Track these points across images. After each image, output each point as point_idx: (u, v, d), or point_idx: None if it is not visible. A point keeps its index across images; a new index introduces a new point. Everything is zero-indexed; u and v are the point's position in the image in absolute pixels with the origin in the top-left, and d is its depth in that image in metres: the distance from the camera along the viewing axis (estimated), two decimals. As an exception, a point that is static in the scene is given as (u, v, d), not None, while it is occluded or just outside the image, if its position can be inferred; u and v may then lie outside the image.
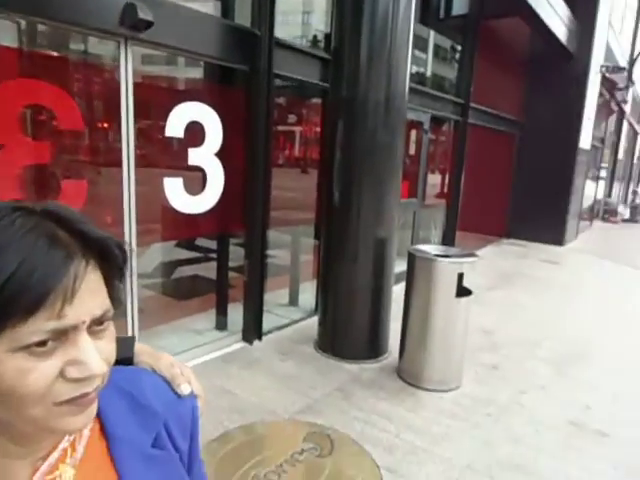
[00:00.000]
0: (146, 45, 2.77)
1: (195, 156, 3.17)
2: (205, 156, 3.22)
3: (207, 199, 3.29)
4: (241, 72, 3.41)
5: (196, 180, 3.26)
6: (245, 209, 3.58)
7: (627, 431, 2.79)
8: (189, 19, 2.94)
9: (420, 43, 6.42)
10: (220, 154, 3.28)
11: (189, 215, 3.21)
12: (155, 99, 3.22)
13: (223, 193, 3.35)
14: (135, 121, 2.75)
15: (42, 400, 0.43)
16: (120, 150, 2.74)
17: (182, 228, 3.45)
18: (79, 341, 0.43)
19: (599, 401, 3.13)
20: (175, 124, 3.00)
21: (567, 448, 2.58)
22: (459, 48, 6.85)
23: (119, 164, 2.76)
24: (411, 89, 3.66)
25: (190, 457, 0.61)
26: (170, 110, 2.96)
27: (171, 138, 3.07)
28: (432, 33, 6.63)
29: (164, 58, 3.39)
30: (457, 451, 2.48)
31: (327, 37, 4.29)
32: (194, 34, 2.97)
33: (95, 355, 0.44)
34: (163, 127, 2.98)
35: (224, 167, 3.32)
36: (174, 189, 3.08)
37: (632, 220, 14.28)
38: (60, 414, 0.44)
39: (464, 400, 3.04)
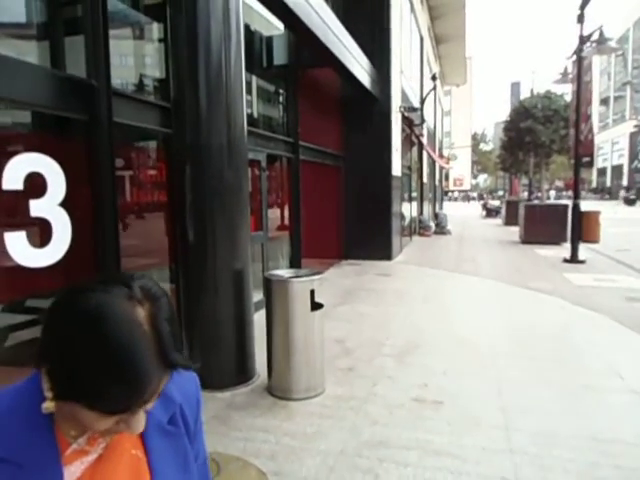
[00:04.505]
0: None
1: (37, 207, 3.07)
2: (48, 207, 3.14)
3: (55, 251, 3.18)
4: (81, 121, 3.42)
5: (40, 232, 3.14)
6: (97, 258, 3.53)
7: (454, 396, 3.49)
8: (11, 68, 2.90)
9: (255, 90, 6.97)
10: (65, 204, 3.22)
11: (36, 270, 3.06)
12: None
13: (72, 243, 3.27)
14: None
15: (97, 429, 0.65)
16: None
17: (29, 285, 3.26)
18: (135, 415, 0.64)
19: (432, 379, 3.82)
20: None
21: (414, 419, 3.15)
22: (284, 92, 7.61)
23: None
24: (248, 131, 4.06)
25: (195, 428, 0.83)
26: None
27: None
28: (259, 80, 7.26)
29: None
30: (330, 442, 2.84)
31: (162, 82, 4.50)
32: (20, 84, 2.93)
33: (142, 424, 0.66)
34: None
35: (71, 217, 3.26)
36: (16, 243, 2.93)
37: (440, 233, 16.96)
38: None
39: (329, 401, 3.44)
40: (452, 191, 69.35)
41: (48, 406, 0.63)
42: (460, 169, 61.97)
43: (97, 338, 0.58)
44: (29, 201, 3.03)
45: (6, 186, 2.89)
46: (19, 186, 2.94)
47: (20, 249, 2.96)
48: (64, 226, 3.25)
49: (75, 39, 3.56)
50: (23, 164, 2.97)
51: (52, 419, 0.66)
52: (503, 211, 21.72)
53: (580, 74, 10.19)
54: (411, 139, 14.37)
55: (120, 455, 0.71)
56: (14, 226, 2.99)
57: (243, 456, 2.71)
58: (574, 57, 10.54)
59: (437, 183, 26.25)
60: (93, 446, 0.69)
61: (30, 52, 3.50)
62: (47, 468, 0.64)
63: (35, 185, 3.04)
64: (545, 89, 19.44)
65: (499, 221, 22.47)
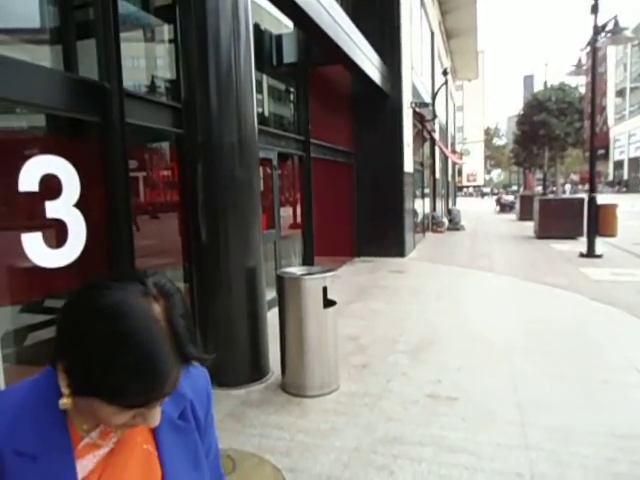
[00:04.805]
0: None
1: (53, 208, 3.12)
2: (64, 208, 3.18)
3: (70, 251, 3.23)
4: (94, 123, 3.46)
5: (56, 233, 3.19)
6: (112, 257, 3.58)
7: (469, 393, 3.47)
8: (26, 72, 2.95)
9: (266, 89, 6.99)
10: (80, 205, 3.26)
11: (50, 270, 3.11)
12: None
13: (87, 243, 3.32)
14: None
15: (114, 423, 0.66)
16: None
17: (44, 285, 3.32)
18: (152, 408, 0.66)
19: (447, 375, 3.80)
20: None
21: (429, 415, 3.14)
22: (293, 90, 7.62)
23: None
24: (259, 130, 4.08)
25: (205, 423, 0.85)
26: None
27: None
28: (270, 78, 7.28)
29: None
30: (344, 439, 2.85)
31: (172, 82, 4.54)
32: (35, 87, 2.98)
33: (158, 417, 0.67)
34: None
35: (85, 217, 3.30)
36: (33, 244, 2.99)
37: (453, 229, 16.84)
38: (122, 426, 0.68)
39: (343, 398, 3.45)
40: (467, 187, 68.74)
41: (65, 402, 0.64)
42: (473, 164, 61.23)
43: (116, 335, 0.59)
44: (45, 202, 3.08)
45: (22, 188, 2.94)
46: (35, 188, 2.99)
47: (37, 250, 3.01)
48: (79, 226, 3.30)
49: (87, 42, 3.61)
50: (38, 166, 3.02)
51: (66, 413, 0.67)
52: (517, 206, 21.47)
53: (594, 65, 10.02)
54: (423, 135, 14.27)
55: (132, 449, 0.72)
56: (31, 227, 3.04)
57: (258, 453, 2.72)
58: (588, 48, 10.38)
59: (450, 179, 26.06)
60: (105, 440, 0.70)
61: (44, 56, 3.55)
62: (60, 461, 0.66)
63: (50, 187, 3.08)
64: (559, 81, 19.17)
65: (513, 216, 22.22)
